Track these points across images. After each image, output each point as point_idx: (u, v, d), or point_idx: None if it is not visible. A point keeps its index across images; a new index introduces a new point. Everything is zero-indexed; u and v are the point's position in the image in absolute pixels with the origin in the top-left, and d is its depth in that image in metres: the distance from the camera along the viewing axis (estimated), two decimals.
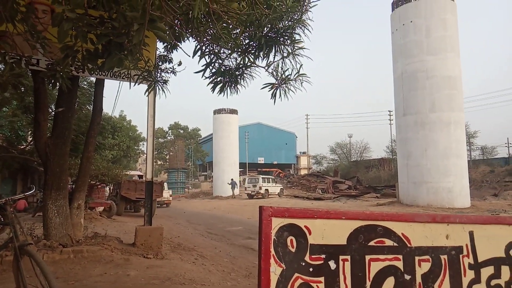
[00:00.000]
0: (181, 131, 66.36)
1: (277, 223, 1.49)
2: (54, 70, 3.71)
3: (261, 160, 69.71)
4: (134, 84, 3.77)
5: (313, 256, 1.53)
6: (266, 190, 33.26)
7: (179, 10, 3.16)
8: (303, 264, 1.50)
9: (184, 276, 5.29)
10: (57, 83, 3.92)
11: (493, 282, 1.80)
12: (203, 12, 2.69)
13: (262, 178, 34.77)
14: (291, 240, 1.51)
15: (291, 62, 3.58)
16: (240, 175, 45.02)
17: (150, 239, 7.10)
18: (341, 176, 43.49)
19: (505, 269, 1.84)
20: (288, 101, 4.00)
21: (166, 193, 26.03)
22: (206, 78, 3.77)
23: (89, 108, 13.84)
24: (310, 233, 1.54)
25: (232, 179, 37.18)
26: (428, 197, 19.51)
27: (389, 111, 54.70)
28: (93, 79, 10.94)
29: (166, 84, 3.83)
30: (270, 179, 36.39)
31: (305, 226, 1.54)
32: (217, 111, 41.06)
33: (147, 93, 3.54)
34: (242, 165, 51.94)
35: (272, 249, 1.46)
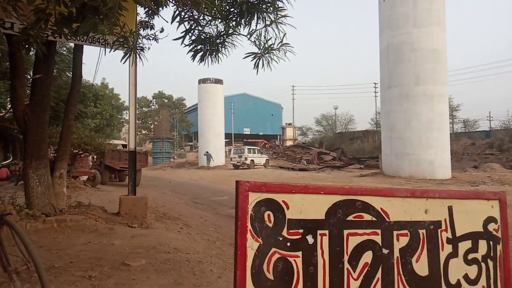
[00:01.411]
0: (166, 101, 65.57)
1: (254, 197, 1.45)
2: (28, 34, 3.52)
3: (247, 131, 69.78)
4: (110, 51, 3.61)
5: (290, 231, 1.50)
6: (252, 160, 33.45)
7: None
8: (281, 239, 1.48)
9: (169, 245, 5.32)
10: (32, 48, 3.74)
11: (470, 256, 1.82)
12: None
13: (248, 148, 34.90)
14: (269, 215, 1.47)
15: (274, 30, 3.47)
16: (226, 146, 45.06)
17: (135, 208, 7.10)
18: (326, 147, 43.96)
19: (482, 243, 1.86)
20: (271, 71, 3.91)
21: None
22: (186, 45, 3.63)
23: (69, 75, 13.47)
24: (288, 208, 1.51)
25: (207, 152, 37.30)
26: (410, 168, 19.89)
27: (375, 83, 54.89)
28: (72, 45, 10.59)
29: (143, 52, 3.67)
30: (256, 149, 36.56)
31: (283, 201, 1.50)
32: (202, 81, 40.47)
33: (123, 61, 3.40)
34: (227, 135, 51.93)
35: (249, 224, 1.42)
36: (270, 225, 1.47)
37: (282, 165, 35.37)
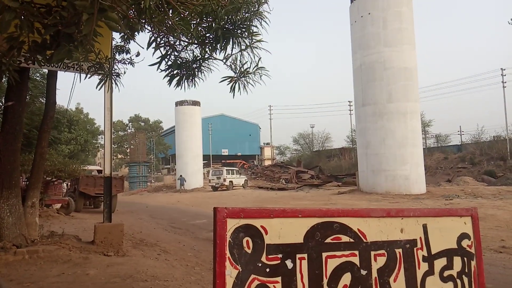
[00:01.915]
0: (142, 124, 64.90)
1: (232, 224, 1.45)
2: (0, 62, 3.46)
3: (225, 152, 69.58)
4: (85, 78, 3.59)
5: (269, 256, 1.50)
6: (231, 182, 33.23)
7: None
8: (260, 265, 1.47)
9: (146, 272, 5.20)
10: (4, 76, 3.66)
11: (446, 273, 1.86)
12: (156, 2, 2.58)
13: (226, 169, 34.70)
14: (247, 241, 1.47)
15: (249, 55, 3.53)
16: (204, 167, 44.70)
17: (110, 236, 6.92)
18: (304, 166, 44.26)
19: (457, 260, 1.90)
20: (248, 94, 3.96)
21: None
22: (162, 71, 3.65)
23: (42, 101, 13.21)
24: (266, 233, 1.51)
25: (181, 175, 37.21)
26: (386, 184, 20.20)
27: (349, 102, 56.05)
28: (46, 70, 10.44)
29: (119, 77, 3.66)
30: (234, 170, 36.40)
31: (262, 226, 1.51)
32: (179, 103, 40.35)
33: (98, 87, 3.38)
34: (206, 157, 51.59)
35: (227, 252, 1.42)
36: (249, 251, 1.47)
37: (261, 185, 35.30)
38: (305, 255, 1.57)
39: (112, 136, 7.77)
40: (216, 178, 33.79)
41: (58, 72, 7.05)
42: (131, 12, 3.45)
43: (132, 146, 51.76)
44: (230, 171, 34.79)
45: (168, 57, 3.62)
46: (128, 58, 6.98)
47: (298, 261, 1.55)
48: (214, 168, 40.03)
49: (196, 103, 40.67)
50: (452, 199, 16.30)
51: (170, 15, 3.32)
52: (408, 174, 20.01)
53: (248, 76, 3.61)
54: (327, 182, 32.35)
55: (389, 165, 20.24)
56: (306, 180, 35.46)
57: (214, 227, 1.43)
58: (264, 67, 3.59)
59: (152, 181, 51.22)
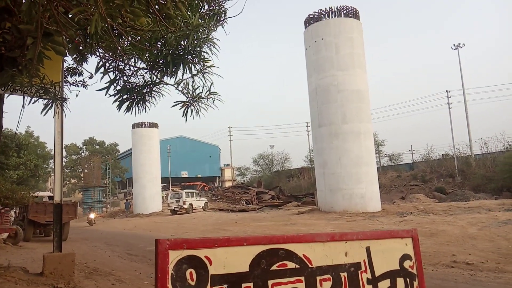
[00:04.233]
0: (97, 147, 62.69)
1: (174, 256, 1.42)
2: None
3: (184, 174, 68.52)
4: (29, 103, 3.44)
5: None
6: (190, 204, 32.66)
7: (77, 24, 2.96)
8: None
9: None
10: None
11: None
12: (103, 27, 2.55)
13: (186, 192, 34.12)
14: (191, 273, 1.44)
15: (201, 79, 3.54)
16: (162, 190, 43.68)
17: (61, 266, 6.55)
18: (264, 186, 44.39)
19: (400, 281, 1.95)
20: (206, 117, 3.95)
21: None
22: (111, 96, 3.57)
23: None
24: (211, 263, 1.49)
25: (127, 199, 36.72)
26: (344, 203, 20.65)
27: (307, 123, 57.35)
28: None
29: (66, 102, 3.54)
30: (194, 193, 35.85)
31: (206, 257, 1.48)
32: (136, 125, 39.55)
33: (43, 113, 3.25)
34: (164, 180, 50.51)
35: (169, 285, 1.38)
36: (193, 283, 1.44)
37: (221, 207, 34.95)
38: (251, 284, 1.56)
39: (64, 161, 7.46)
40: (175, 202, 33.09)
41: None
42: (79, 37, 3.38)
43: (86, 170, 49.81)
44: (189, 193, 34.22)
45: (117, 82, 3.56)
46: (81, 80, 6.80)
47: None
48: (173, 191, 39.23)
49: (153, 125, 40.05)
50: (406, 216, 16.88)
51: (121, 40, 3.28)
52: (363, 193, 20.59)
53: (201, 100, 3.61)
54: (287, 202, 32.58)
55: (345, 184, 20.75)
56: (267, 200, 35.55)
57: (156, 260, 1.39)
58: (216, 92, 3.61)
59: (108, 206, 49.30)
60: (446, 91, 42.78)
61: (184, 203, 32.32)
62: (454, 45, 40.37)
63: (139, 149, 39.19)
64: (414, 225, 13.36)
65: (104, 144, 64.09)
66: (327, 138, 21.58)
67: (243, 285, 1.54)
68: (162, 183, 42.78)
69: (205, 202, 35.36)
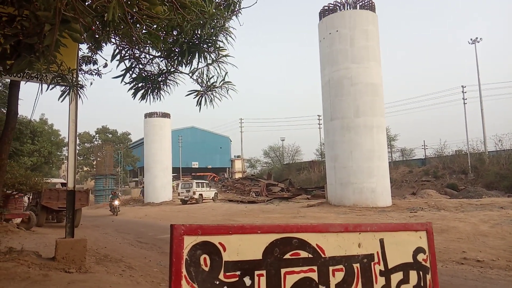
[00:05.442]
0: (110, 136, 63.34)
1: (189, 241, 1.43)
2: None
3: (195, 165, 68.94)
4: (47, 89, 3.48)
5: (227, 274, 1.49)
6: (200, 195, 32.87)
7: (95, 11, 2.98)
8: (217, 282, 1.46)
9: None
10: None
11: (402, 287, 1.90)
12: (120, 15, 2.56)
13: (196, 182, 34.31)
14: (205, 259, 1.46)
15: (216, 69, 3.54)
16: (173, 180, 44.02)
17: (72, 252, 6.66)
18: (274, 178, 44.44)
19: (413, 274, 1.94)
20: (218, 107, 3.95)
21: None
22: (126, 83, 3.59)
23: (4, 111, 12.71)
24: (224, 250, 1.50)
25: (143, 187, 37.08)
26: (354, 197, 20.57)
27: (318, 116, 57.06)
28: (8, 80, 10.07)
29: (83, 89, 3.58)
30: (204, 183, 36.05)
31: (220, 243, 1.50)
32: (149, 115, 39.78)
33: (61, 99, 3.28)
34: (175, 169, 50.89)
35: (184, 270, 1.39)
36: (207, 269, 1.45)
37: (231, 198, 35.11)
38: (264, 272, 1.57)
39: (77, 148, 7.56)
40: (186, 191, 33.34)
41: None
42: (95, 24, 3.40)
43: (98, 159, 50.40)
44: (199, 184, 34.43)
45: (132, 70, 3.58)
46: (95, 69, 6.87)
47: (256, 278, 1.55)
48: (184, 181, 39.51)
49: (166, 115, 40.22)
50: (417, 212, 16.76)
51: (137, 28, 3.29)
52: (374, 187, 20.46)
53: (215, 90, 3.61)
54: (296, 195, 32.57)
55: (356, 177, 20.65)
56: (276, 193, 35.58)
57: (171, 245, 1.41)
58: (230, 82, 3.61)
59: (119, 194, 49.94)
60: (462, 86, 42.16)
61: (194, 193, 32.54)
62: (471, 39, 39.68)
63: (151, 139, 39.47)
64: (424, 220, 13.25)
65: (116, 133, 64.73)
66: (339, 132, 21.45)
67: (256, 272, 1.55)
68: (172, 173, 43.08)
69: (215, 192, 35.55)
